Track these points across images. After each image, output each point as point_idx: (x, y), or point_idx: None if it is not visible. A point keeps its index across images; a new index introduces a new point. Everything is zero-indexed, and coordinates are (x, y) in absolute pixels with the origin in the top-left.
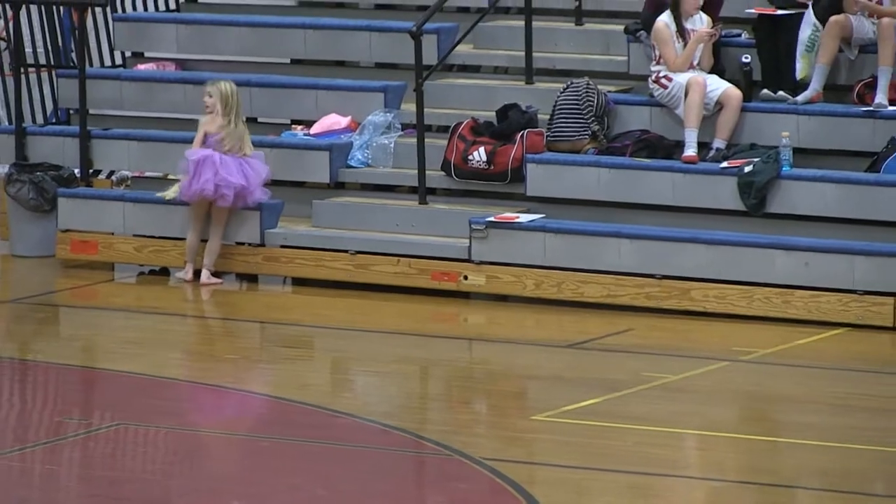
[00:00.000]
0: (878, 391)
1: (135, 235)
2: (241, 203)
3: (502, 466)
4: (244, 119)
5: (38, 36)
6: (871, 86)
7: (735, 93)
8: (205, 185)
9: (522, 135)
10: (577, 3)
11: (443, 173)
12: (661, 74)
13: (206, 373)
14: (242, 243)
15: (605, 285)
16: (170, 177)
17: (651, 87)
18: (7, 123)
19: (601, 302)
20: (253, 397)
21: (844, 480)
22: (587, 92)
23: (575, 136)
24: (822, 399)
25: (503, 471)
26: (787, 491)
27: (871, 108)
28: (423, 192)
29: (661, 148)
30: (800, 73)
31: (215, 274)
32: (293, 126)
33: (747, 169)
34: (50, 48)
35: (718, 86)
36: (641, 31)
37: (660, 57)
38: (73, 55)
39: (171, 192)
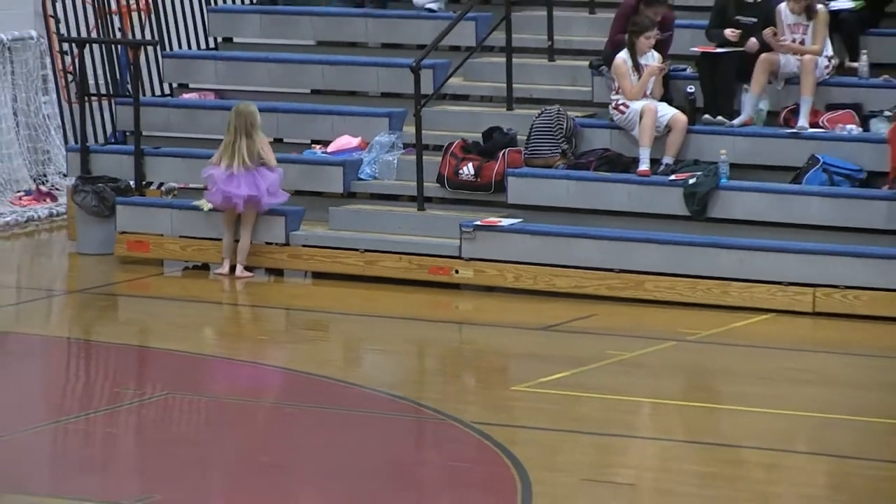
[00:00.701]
0: (801, 366)
1: (180, 237)
2: (255, 209)
3: (487, 429)
4: (257, 136)
5: (100, 70)
6: (795, 112)
7: (681, 117)
8: (214, 197)
9: (504, 153)
10: (550, 43)
11: (437, 185)
12: (620, 102)
13: (240, 351)
14: (270, 243)
15: (574, 278)
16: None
17: (611, 112)
18: (74, 143)
19: (570, 292)
20: (279, 371)
21: (773, 440)
22: (558, 117)
23: (548, 153)
24: (755, 372)
25: (488, 433)
26: (726, 449)
27: (795, 130)
28: (421, 200)
29: (620, 163)
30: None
31: (248, 268)
32: (313, 145)
33: (691, 181)
34: (109, 80)
35: (667, 112)
36: (603, 66)
37: (618, 87)
38: (129, 86)
39: (202, 204)
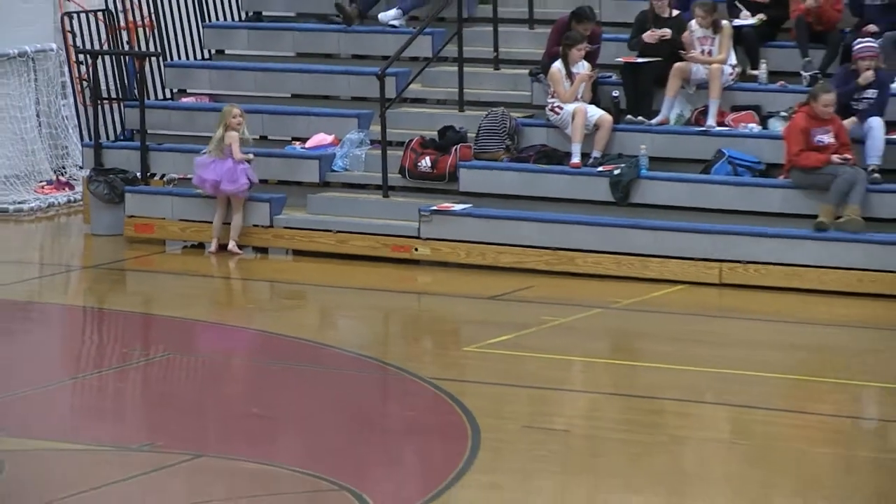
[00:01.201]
0: (709, 329)
1: (180, 220)
2: (221, 193)
3: (442, 383)
4: (229, 132)
5: (110, 77)
6: (705, 112)
7: (607, 117)
8: (194, 180)
9: (456, 148)
10: (495, 55)
11: (400, 176)
12: (555, 104)
13: (230, 318)
14: (257, 225)
15: (515, 255)
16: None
17: (548, 113)
18: (88, 140)
19: (512, 266)
20: (264, 335)
21: (684, 392)
22: (502, 117)
23: (494, 148)
24: (670, 335)
25: (442, 386)
26: (644, 399)
27: (704, 129)
28: (385, 188)
29: (555, 157)
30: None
31: (239, 246)
32: (293, 142)
33: (616, 172)
34: (118, 86)
35: (595, 112)
36: (541, 74)
37: (554, 92)
38: (136, 91)
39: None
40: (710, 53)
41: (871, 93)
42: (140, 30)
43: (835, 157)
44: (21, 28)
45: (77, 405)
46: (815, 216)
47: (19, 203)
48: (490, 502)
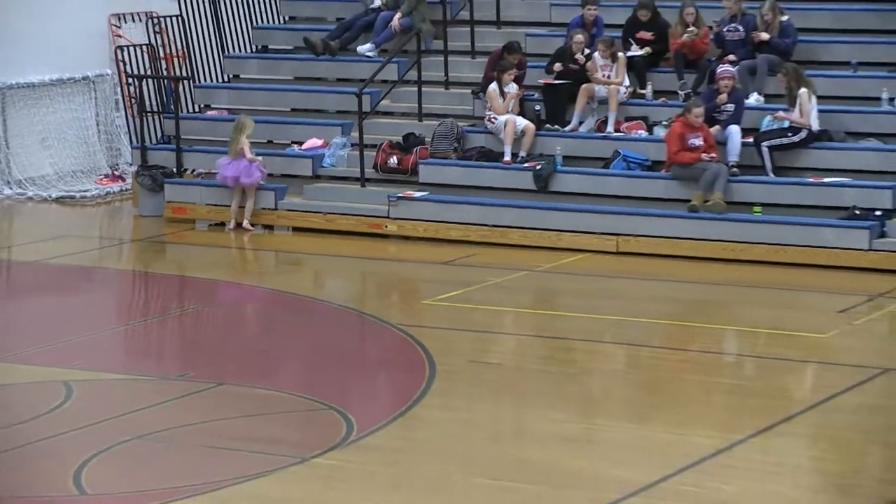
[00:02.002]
0: (609, 287)
1: (206, 204)
2: (241, 185)
3: (406, 328)
4: (241, 138)
5: (153, 95)
6: (605, 122)
7: (531, 126)
8: (218, 176)
9: (417, 149)
10: (446, 78)
11: (373, 170)
12: (492, 116)
13: (245, 278)
14: (265, 208)
15: (462, 230)
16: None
17: (486, 123)
18: (136, 143)
19: (460, 239)
20: (271, 291)
21: (591, 335)
22: (451, 126)
23: (445, 149)
24: (581, 293)
25: (407, 330)
26: (560, 341)
27: (605, 134)
28: (363, 180)
29: (492, 156)
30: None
31: (252, 224)
32: (292, 144)
33: (538, 167)
34: (159, 102)
35: (522, 122)
36: (480, 93)
37: (490, 107)
38: (172, 106)
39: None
40: (609, 77)
41: (730, 106)
42: (175, 59)
43: (704, 156)
44: (83, 58)
45: (129, 345)
46: (689, 200)
47: (83, 192)
48: (443, 419)
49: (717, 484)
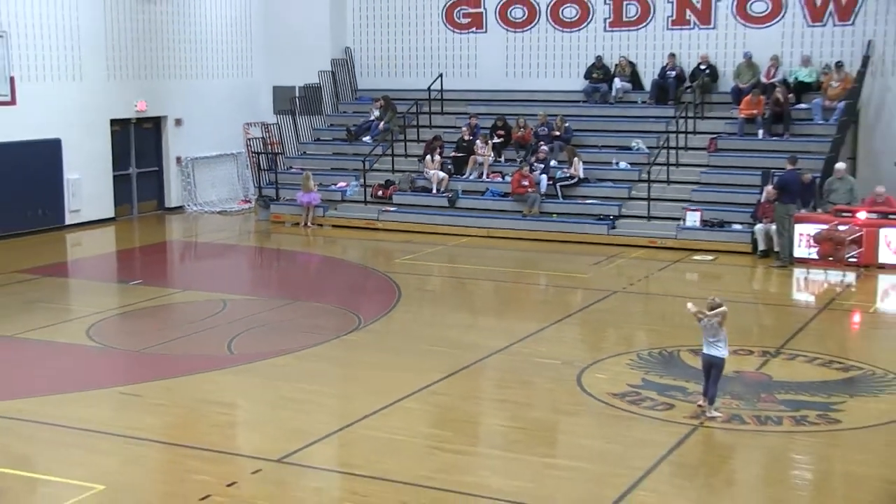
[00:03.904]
0: (485, 253)
1: (291, 215)
2: (311, 205)
3: (387, 273)
4: (310, 182)
5: (264, 161)
6: (482, 174)
7: (446, 176)
8: (299, 200)
9: (392, 187)
10: (405, 152)
11: (371, 198)
12: (426, 172)
13: (309, 250)
14: (318, 216)
15: (414, 227)
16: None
17: (424, 174)
18: (255, 184)
19: (413, 231)
20: (320, 255)
21: (477, 276)
22: (408, 176)
23: (405, 187)
24: (470, 255)
25: (387, 274)
26: (459, 279)
27: (481, 180)
28: (366, 202)
29: (427, 190)
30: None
31: (312, 224)
32: (332, 184)
33: (449, 196)
34: (267, 163)
35: (441, 174)
36: (421, 159)
37: (425, 166)
38: (273, 166)
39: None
40: (483, 152)
41: (541, 165)
42: (275, 144)
43: (529, 190)
44: (231, 143)
45: (255, 281)
46: (521, 211)
47: (231, 208)
48: (405, 317)
49: (532, 349)
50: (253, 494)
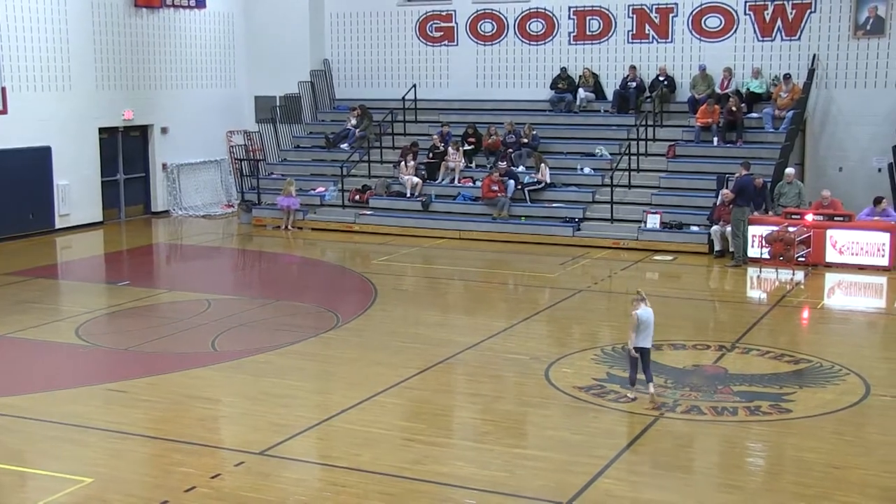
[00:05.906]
0: (457, 254)
1: (272, 217)
2: (291, 209)
3: (364, 273)
4: (291, 187)
5: (246, 167)
6: (454, 179)
7: (420, 181)
8: (279, 204)
9: (368, 192)
10: (381, 158)
11: (350, 202)
12: (401, 177)
13: (288, 251)
14: (298, 220)
15: (389, 229)
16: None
17: (399, 179)
18: (238, 189)
19: (388, 233)
20: (299, 257)
21: (450, 276)
22: (384, 181)
23: (381, 192)
24: (444, 256)
25: (364, 274)
26: (434, 279)
27: (453, 185)
28: (344, 206)
29: (402, 195)
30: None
31: (292, 227)
32: (311, 189)
33: (423, 199)
34: (249, 169)
35: (415, 179)
36: (395, 166)
37: (400, 172)
38: (255, 172)
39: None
40: (455, 158)
41: (509, 173)
42: (256, 151)
43: (500, 195)
44: (215, 149)
45: (237, 282)
46: (492, 214)
47: (214, 212)
48: (381, 315)
49: (502, 345)
50: (236, 486)
